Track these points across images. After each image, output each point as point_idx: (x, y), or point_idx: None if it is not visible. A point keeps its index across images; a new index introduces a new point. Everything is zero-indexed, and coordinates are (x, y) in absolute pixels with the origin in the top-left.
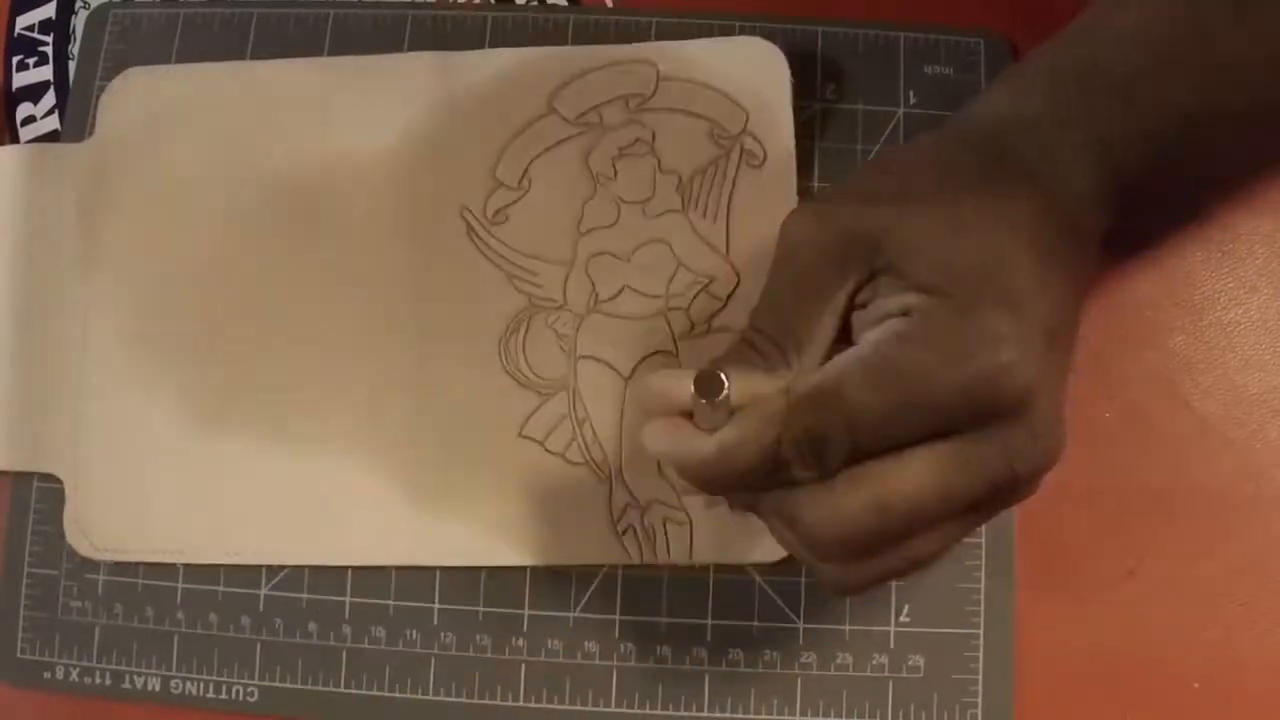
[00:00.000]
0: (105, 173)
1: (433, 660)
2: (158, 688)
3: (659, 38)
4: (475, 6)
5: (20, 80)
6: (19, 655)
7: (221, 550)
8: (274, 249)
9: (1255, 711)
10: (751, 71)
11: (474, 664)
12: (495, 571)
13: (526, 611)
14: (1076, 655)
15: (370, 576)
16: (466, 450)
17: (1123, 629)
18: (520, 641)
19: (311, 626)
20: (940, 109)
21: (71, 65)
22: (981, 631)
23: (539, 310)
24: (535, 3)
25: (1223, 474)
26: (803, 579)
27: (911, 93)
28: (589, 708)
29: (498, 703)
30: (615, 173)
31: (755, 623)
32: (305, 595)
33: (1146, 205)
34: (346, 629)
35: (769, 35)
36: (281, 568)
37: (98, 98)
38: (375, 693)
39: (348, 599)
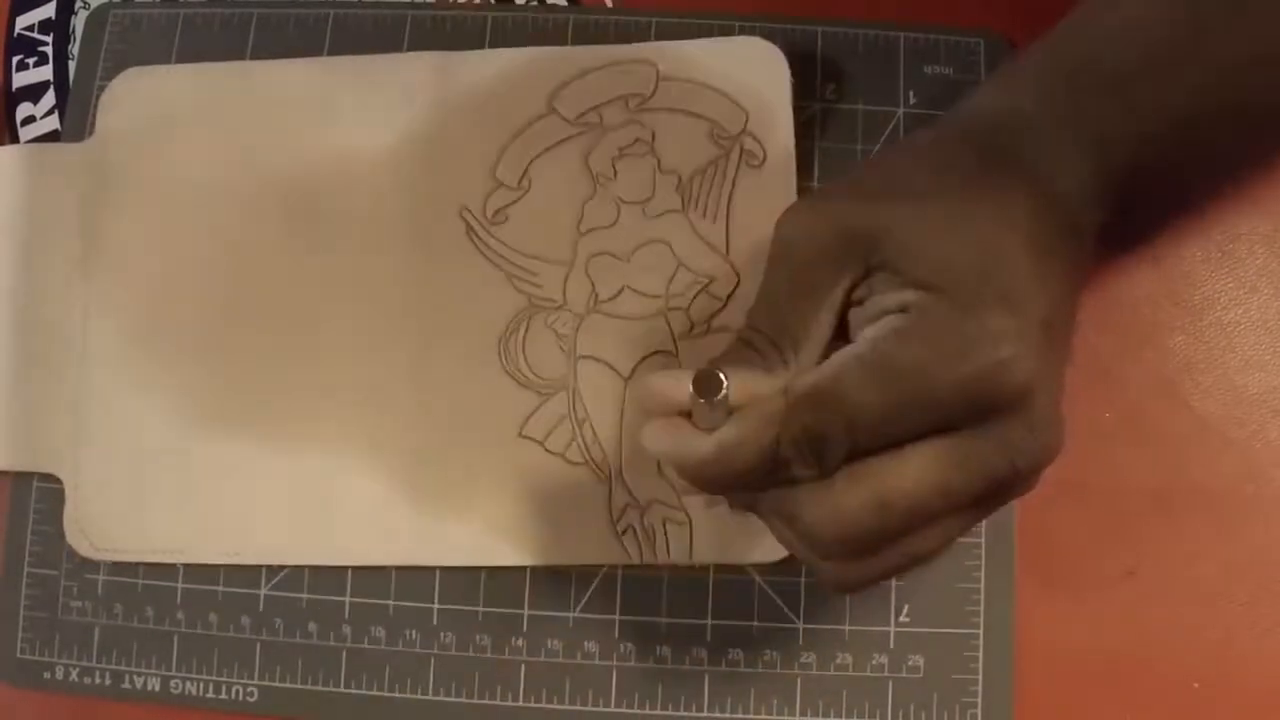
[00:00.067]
0: (105, 173)
1: (432, 660)
2: (157, 688)
3: (659, 38)
4: (475, 6)
5: (20, 80)
6: (19, 655)
7: (221, 550)
8: (274, 249)
9: (1255, 711)
10: (751, 71)
11: (474, 664)
12: (495, 571)
13: (526, 611)
14: (1076, 655)
15: (370, 576)
16: (466, 450)
17: (1123, 629)
18: (520, 641)
19: (311, 626)
20: (940, 109)
21: (71, 65)
22: (981, 631)
23: (539, 310)
24: (535, 3)
25: (1223, 474)
26: (802, 579)
27: (911, 93)
28: (589, 708)
29: (497, 703)
30: (615, 173)
31: (755, 623)
32: (305, 595)
33: (1143, 201)
34: (346, 629)
35: (769, 35)
36: (281, 568)
37: (98, 98)
38: (375, 693)
39: (347, 599)
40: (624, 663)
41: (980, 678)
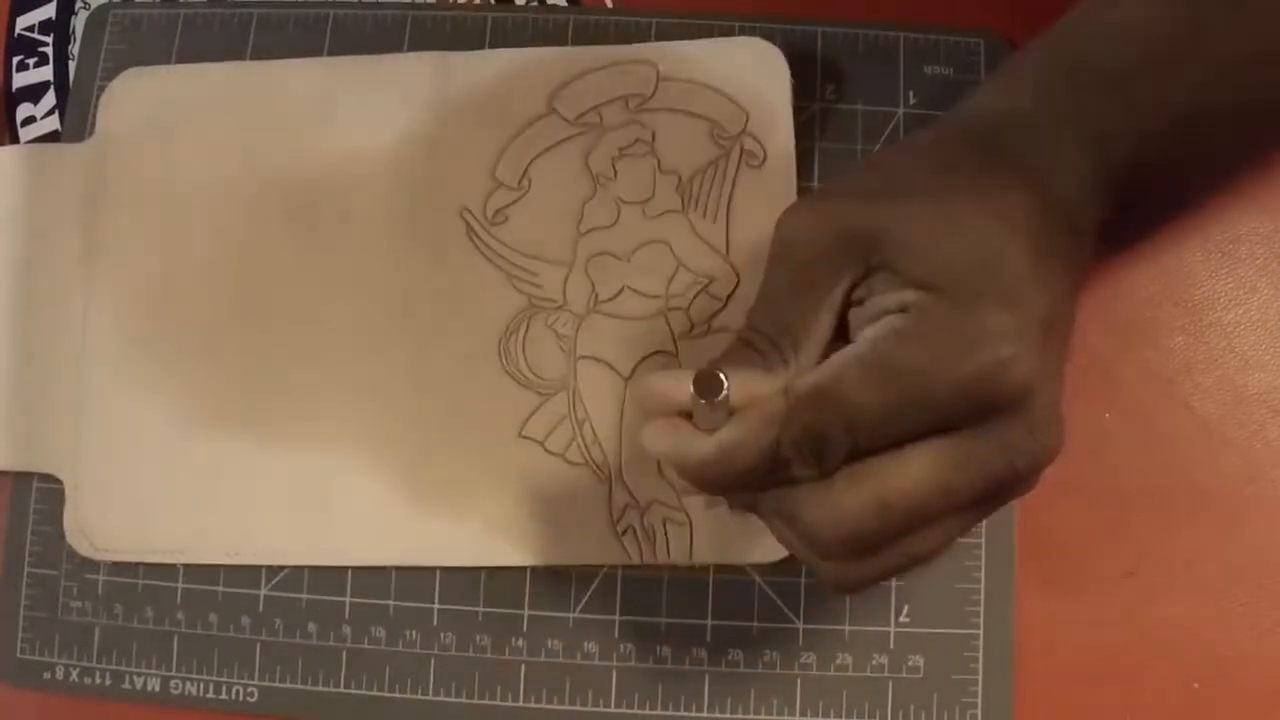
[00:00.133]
0: (105, 173)
1: (432, 660)
2: (157, 688)
3: (659, 38)
4: (475, 6)
5: (20, 80)
6: (19, 655)
7: (221, 550)
8: (274, 249)
9: (1255, 711)
10: (751, 72)
11: (474, 664)
12: (495, 572)
13: (526, 612)
14: (1076, 655)
15: (370, 577)
16: (467, 451)
17: (1123, 629)
18: (520, 642)
19: (311, 627)
20: (940, 109)
21: (71, 65)
22: (981, 632)
23: (539, 310)
24: (535, 3)
25: (1223, 474)
26: (802, 579)
27: (911, 93)
28: (589, 708)
29: (497, 703)
30: (615, 173)
31: (755, 623)
32: (305, 595)
33: (1143, 199)
34: (346, 629)
35: (769, 35)
36: (281, 568)
37: (98, 98)
38: (375, 693)
39: (347, 599)
40: (624, 663)
41: (980, 678)
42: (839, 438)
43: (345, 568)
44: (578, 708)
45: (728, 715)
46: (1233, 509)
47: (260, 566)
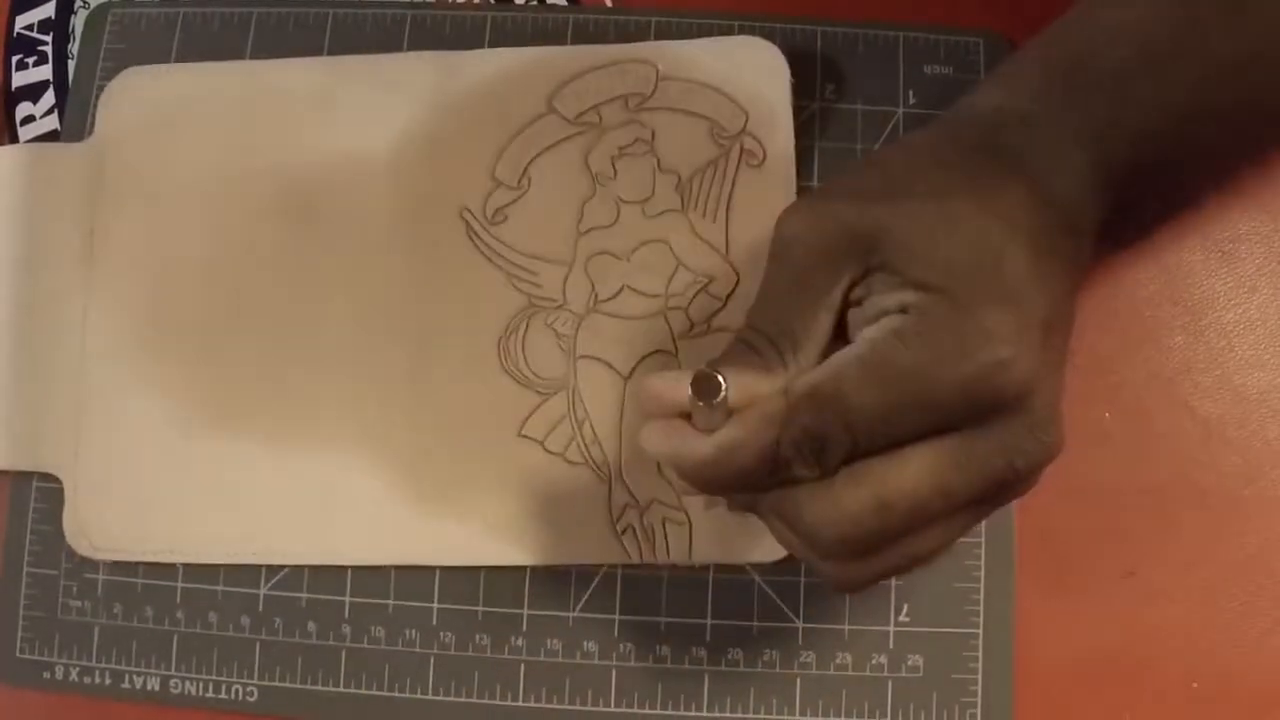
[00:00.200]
0: (105, 173)
1: (432, 660)
2: (157, 687)
3: (658, 37)
4: (475, 6)
5: (20, 80)
6: (18, 655)
7: (221, 550)
8: (274, 249)
9: (1255, 711)
10: (751, 71)
11: (473, 664)
12: (495, 571)
13: (526, 611)
14: (1076, 655)
15: (369, 576)
16: (466, 450)
17: (1123, 629)
18: (519, 641)
19: (311, 626)
20: (940, 109)
21: (71, 65)
22: (981, 631)
23: (538, 310)
24: (535, 3)
25: (1223, 474)
26: (802, 579)
27: (911, 92)
28: (588, 707)
29: (497, 702)
30: (615, 172)
31: (755, 623)
32: (304, 595)
33: (1143, 199)
34: (346, 628)
35: (769, 35)
36: (281, 567)
37: (97, 97)
38: (375, 692)
39: (347, 599)
40: (624, 662)
41: (980, 678)
42: (839, 438)
43: (345, 567)
44: (577, 707)
45: (727, 715)
46: (1232, 509)
47: (260, 566)
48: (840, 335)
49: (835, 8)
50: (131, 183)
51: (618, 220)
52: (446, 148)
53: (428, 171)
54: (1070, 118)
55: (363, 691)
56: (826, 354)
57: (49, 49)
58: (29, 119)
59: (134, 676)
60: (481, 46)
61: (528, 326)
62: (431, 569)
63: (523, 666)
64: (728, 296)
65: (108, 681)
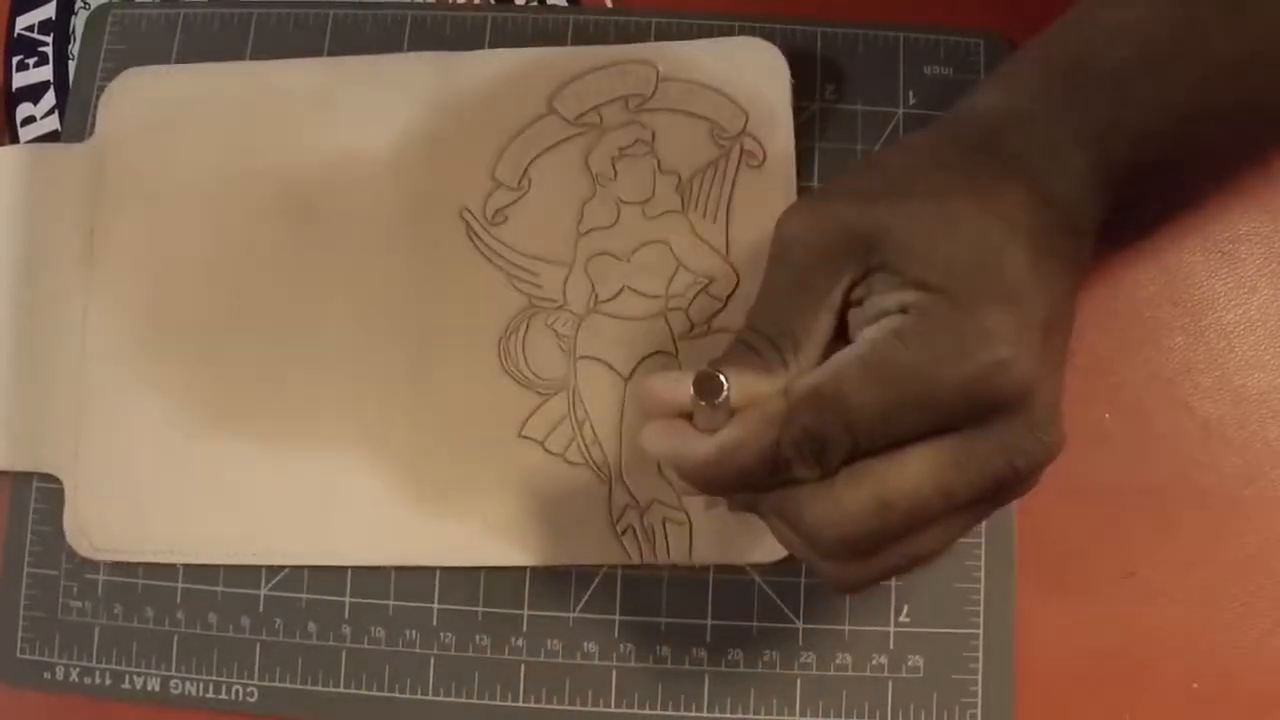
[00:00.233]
0: (105, 173)
1: (432, 660)
2: (157, 688)
3: (659, 38)
4: (475, 6)
5: (20, 80)
6: (18, 655)
7: (221, 550)
8: (274, 249)
9: (1255, 711)
10: (751, 72)
11: (473, 664)
12: (495, 571)
13: (526, 611)
14: (1076, 655)
15: (370, 576)
16: (466, 450)
17: (1123, 629)
18: (520, 641)
19: (311, 626)
20: (940, 109)
21: (71, 65)
22: (981, 632)
23: (539, 310)
24: (535, 3)
25: (1223, 474)
26: (802, 579)
27: (911, 93)
28: (588, 708)
29: (497, 703)
30: (615, 173)
31: (755, 623)
32: (305, 595)
33: (1143, 199)
34: (346, 629)
35: (769, 35)
36: (281, 568)
37: (98, 98)
38: (375, 693)
39: (347, 599)
40: (624, 663)
41: (980, 678)
42: (839, 438)
43: (345, 568)
44: (577, 708)
45: (727, 715)
46: (1232, 509)
47: (260, 566)
48: (841, 335)
49: (835, 8)
50: (132, 183)
51: (618, 221)
52: (447, 148)
53: (428, 172)
54: (1070, 118)
55: (363, 692)
56: (827, 354)
57: (49, 50)
58: (29, 120)
59: (134, 677)
60: (481, 47)
61: (528, 327)
62: (432, 569)
63: (523, 667)
64: (728, 297)
65: (108, 682)
